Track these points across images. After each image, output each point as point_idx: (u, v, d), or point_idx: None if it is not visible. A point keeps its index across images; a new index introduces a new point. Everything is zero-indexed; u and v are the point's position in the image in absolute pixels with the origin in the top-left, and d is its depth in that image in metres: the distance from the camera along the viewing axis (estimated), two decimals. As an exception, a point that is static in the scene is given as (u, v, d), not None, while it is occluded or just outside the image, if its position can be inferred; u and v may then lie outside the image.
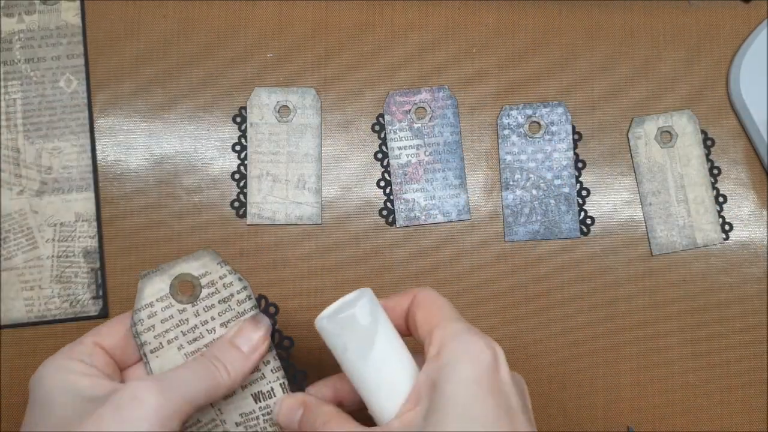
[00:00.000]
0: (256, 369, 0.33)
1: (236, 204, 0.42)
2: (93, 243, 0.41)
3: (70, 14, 0.43)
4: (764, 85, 0.42)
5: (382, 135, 0.43)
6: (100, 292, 0.41)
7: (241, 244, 0.42)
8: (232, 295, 0.34)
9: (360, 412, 0.31)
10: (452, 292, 0.42)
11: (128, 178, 0.42)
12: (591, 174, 0.43)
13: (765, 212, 0.43)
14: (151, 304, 0.33)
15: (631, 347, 0.42)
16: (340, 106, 0.43)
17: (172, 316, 0.33)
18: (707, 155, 0.43)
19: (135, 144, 0.42)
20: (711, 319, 0.42)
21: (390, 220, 0.42)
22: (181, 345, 0.33)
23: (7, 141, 0.42)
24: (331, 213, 0.42)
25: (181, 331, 0.33)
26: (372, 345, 0.30)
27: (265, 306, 0.34)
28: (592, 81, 0.43)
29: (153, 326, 0.33)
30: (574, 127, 0.43)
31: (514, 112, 0.43)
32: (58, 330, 0.41)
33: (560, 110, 0.43)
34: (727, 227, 0.43)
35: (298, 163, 0.42)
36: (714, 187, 0.43)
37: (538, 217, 0.42)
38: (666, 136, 0.43)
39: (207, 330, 0.33)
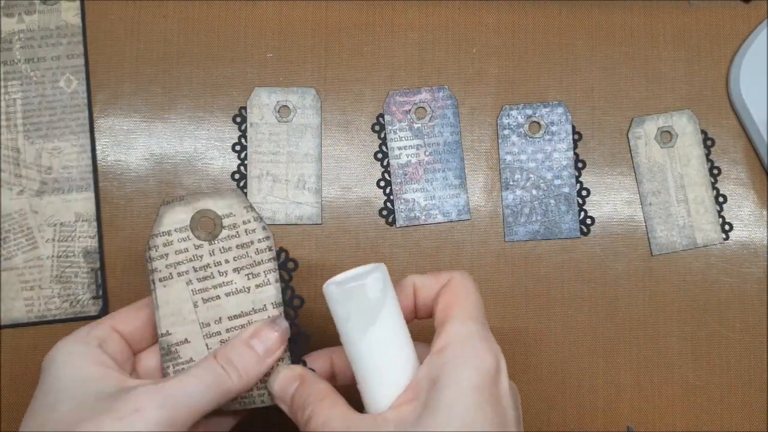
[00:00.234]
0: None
1: None
2: (93, 243, 0.41)
3: (70, 14, 0.43)
4: (764, 85, 0.42)
5: (382, 135, 0.43)
6: (100, 292, 0.41)
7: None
8: (252, 242, 0.33)
9: (353, 387, 0.31)
10: (452, 292, 0.42)
11: (128, 178, 0.42)
12: (591, 174, 0.43)
13: (765, 212, 0.43)
14: (168, 233, 0.33)
15: (631, 347, 0.42)
16: (340, 106, 0.43)
17: (187, 249, 0.33)
18: (707, 155, 0.43)
19: (135, 144, 0.42)
20: (711, 319, 0.42)
21: (390, 220, 0.42)
22: (190, 280, 0.33)
23: (7, 141, 0.42)
24: (331, 213, 0.42)
25: (193, 267, 0.33)
26: (375, 321, 0.29)
27: (284, 259, 0.33)
28: (592, 81, 0.43)
29: (166, 255, 0.33)
30: (574, 127, 0.43)
31: (514, 112, 0.43)
32: (58, 330, 0.41)
33: (560, 110, 0.43)
34: (727, 227, 0.43)
35: (298, 163, 0.42)
36: (714, 187, 0.43)
37: (538, 217, 0.42)
38: (666, 136, 0.43)
39: (219, 272, 0.33)
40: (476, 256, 0.42)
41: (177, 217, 0.33)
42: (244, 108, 0.42)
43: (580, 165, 0.43)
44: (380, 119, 0.43)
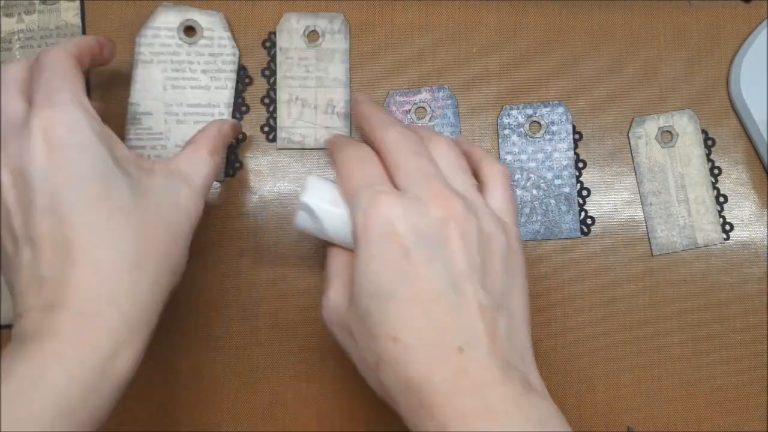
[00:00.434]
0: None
1: (266, 128, 0.42)
2: (93, 243, 0.41)
3: (70, 14, 0.43)
4: (764, 85, 0.42)
5: None
6: (100, 292, 0.41)
7: (240, 245, 0.42)
8: (221, 53, 0.41)
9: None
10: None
11: (128, 178, 0.42)
12: (591, 174, 0.43)
13: (765, 212, 0.43)
14: (158, 29, 0.41)
15: (631, 347, 0.42)
16: (340, 106, 0.43)
17: (169, 45, 0.41)
18: (708, 155, 0.43)
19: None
20: (711, 319, 0.42)
21: None
22: (165, 69, 0.41)
23: (7, 141, 0.42)
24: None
25: (171, 59, 0.41)
26: (334, 233, 0.33)
27: (243, 75, 0.42)
28: (593, 81, 0.43)
29: (152, 44, 0.41)
30: (574, 127, 0.43)
31: (514, 112, 0.43)
32: (58, 330, 0.41)
33: (560, 110, 0.43)
34: (727, 227, 0.43)
35: (327, 88, 0.42)
36: (714, 187, 0.43)
37: (539, 217, 0.42)
38: (667, 136, 0.43)
39: (190, 69, 0.41)
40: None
41: (168, 19, 0.41)
42: (273, 33, 0.43)
43: (580, 165, 0.43)
44: None
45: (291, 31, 0.42)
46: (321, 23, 0.43)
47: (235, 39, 0.42)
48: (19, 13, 0.42)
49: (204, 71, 0.41)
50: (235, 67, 0.41)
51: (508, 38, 0.44)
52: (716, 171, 0.43)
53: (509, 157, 0.43)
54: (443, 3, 0.44)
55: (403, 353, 0.28)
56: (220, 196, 0.42)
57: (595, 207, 0.43)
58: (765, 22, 0.43)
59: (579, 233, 0.42)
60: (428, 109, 0.43)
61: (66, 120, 0.30)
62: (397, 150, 0.32)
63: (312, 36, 0.43)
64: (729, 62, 0.44)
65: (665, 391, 0.42)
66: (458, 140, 0.36)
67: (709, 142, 0.43)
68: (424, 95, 0.43)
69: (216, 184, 0.42)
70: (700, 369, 0.42)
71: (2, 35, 0.42)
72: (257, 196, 0.42)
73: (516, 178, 0.43)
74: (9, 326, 0.41)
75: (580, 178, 0.43)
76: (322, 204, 0.33)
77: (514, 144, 0.43)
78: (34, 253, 0.29)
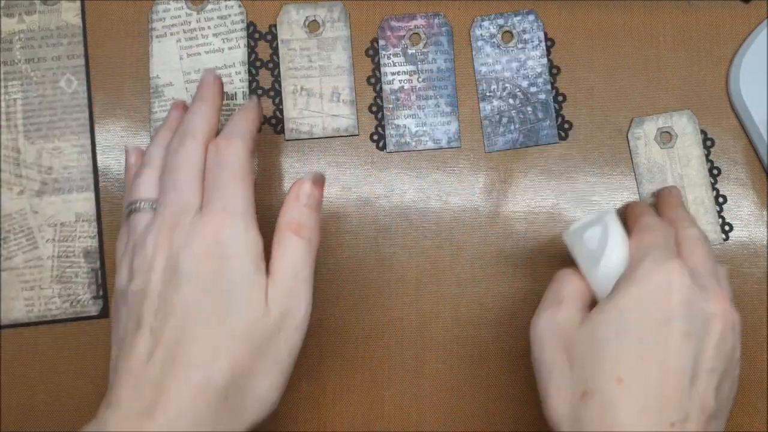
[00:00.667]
0: None
1: (273, 121, 0.42)
2: (93, 243, 0.41)
3: (71, 14, 0.43)
4: (764, 85, 0.42)
5: (376, 60, 0.43)
6: (101, 292, 0.41)
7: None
8: (229, 15, 0.43)
9: None
10: (452, 292, 0.42)
11: (128, 178, 0.42)
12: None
13: (765, 212, 0.43)
14: (168, 2, 0.42)
15: (631, 347, 0.42)
16: (340, 106, 0.43)
17: (179, 16, 0.42)
18: (707, 155, 0.43)
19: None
20: (711, 319, 0.42)
21: (380, 145, 0.42)
22: (179, 39, 0.42)
23: (8, 141, 0.42)
24: (331, 213, 0.42)
25: (183, 29, 0.42)
26: (598, 262, 0.34)
27: (252, 31, 0.43)
28: (592, 81, 0.43)
29: (164, 18, 0.42)
30: (546, 34, 0.43)
31: (486, 23, 0.43)
32: (58, 330, 0.41)
33: (531, 17, 0.43)
34: (727, 228, 0.43)
35: (331, 77, 0.43)
36: (714, 188, 0.43)
37: (517, 126, 0.43)
38: (666, 137, 0.43)
39: (202, 35, 0.42)
40: (476, 256, 0.42)
41: None
42: (274, 26, 0.43)
43: (554, 71, 0.43)
44: (374, 44, 0.43)
45: (291, 22, 0.43)
46: (321, 13, 0.43)
47: (242, 1, 0.43)
48: (20, 14, 0.42)
49: (216, 35, 0.42)
50: (244, 25, 0.43)
51: (507, 38, 0.44)
52: (715, 171, 0.43)
53: (484, 69, 0.43)
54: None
55: (621, 398, 0.30)
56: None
57: (594, 207, 0.43)
58: (765, 22, 0.43)
59: (557, 138, 0.42)
60: (423, 35, 0.43)
61: (233, 233, 0.31)
62: (695, 245, 0.34)
63: (313, 26, 0.43)
64: (729, 62, 0.44)
65: (665, 391, 0.42)
66: (669, 194, 0.41)
67: (708, 143, 0.43)
68: (419, 21, 0.43)
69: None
70: (700, 369, 0.42)
71: (3, 35, 0.42)
72: (257, 196, 0.42)
73: (492, 89, 0.43)
74: (9, 326, 0.41)
75: (555, 84, 0.43)
76: (621, 230, 0.35)
77: (488, 55, 0.43)
78: (153, 347, 0.29)
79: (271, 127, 0.42)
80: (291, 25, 0.43)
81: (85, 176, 0.42)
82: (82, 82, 0.42)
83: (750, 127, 0.43)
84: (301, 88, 0.42)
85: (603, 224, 0.35)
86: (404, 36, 0.43)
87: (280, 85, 0.43)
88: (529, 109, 0.43)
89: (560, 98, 0.43)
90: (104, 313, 0.41)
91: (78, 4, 0.43)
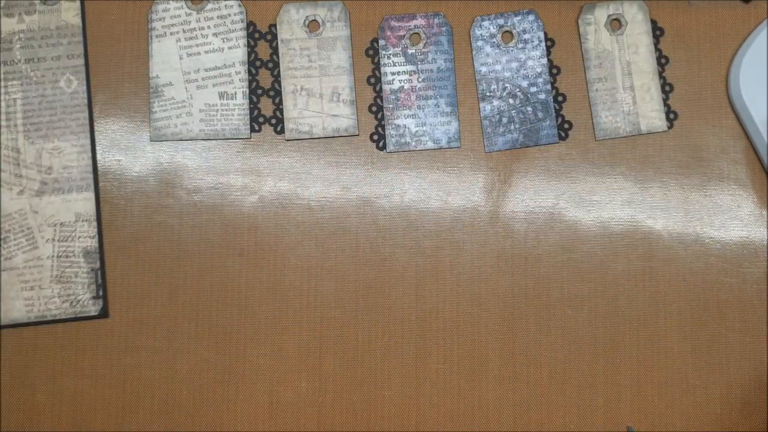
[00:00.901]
0: None
1: (273, 121, 0.42)
2: (93, 243, 0.41)
3: (70, 14, 0.43)
4: (764, 85, 0.42)
5: (376, 60, 0.43)
6: (100, 292, 0.41)
7: (241, 245, 0.42)
8: (229, 15, 0.42)
9: None
10: (452, 292, 0.42)
11: (128, 178, 0.42)
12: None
13: (765, 212, 0.43)
14: (167, 2, 0.42)
15: (631, 347, 0.42)
16: (340, 106, 0.43)
17: (179, 16, 0.42)
18: (656, 44, 0.43)
19: (135, 144, 0.42)
20: (711, 319, 0.42)
21: (380, 145, 0.42)
22: (179, 39, 0.42)
23: (7, 141, 0.42)
24: (331, 213, 0.42)
25: (182, 29, 0.42)
26: None
27: (253, 29, 0.43)
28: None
29: (164, 18, 0.42)
30: (546, 34, 0.43)
31: (486, 23, 0.43)
32: (58, 330, 0.41)
33: (531, 17, 0.43)
34: (672, 116, 0.43)
35: (331, 76, 0.43)
36: (661, 76, 0.43)
37: (517, 126, 0.43)
38: (615, 24, 0.43)
39: (202, 34, 0.42)
40: (476, 256, 0.42)
41: None
42: (274, 25, 0.43)
43: (554, 71, 0.43)
44: (374, 44, 0.43)
45: (291, 22, 0.43)
46: (321, 12, 0.43)
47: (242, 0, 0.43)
48: (20, 14, 0.42)
49: (215, 34, 0.42)
50: (244, 25, 0.43)
51: (507, 38, 0.44)
52: (663, 60, 0.43)
53: (484, 68, 0.43)
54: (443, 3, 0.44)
55: None
56: (221, 195, 0.42)
57: (594, 207, 0.43)
58: (765, 22, 0.43)
59: (557, 138, 0.42)
60: (423, 35, 0.43)
61: None
62: None
63: (313, 25, 0.43)
64: (728, 62, 0.44)
65: (665, 391, 0.42)
66: None
67: (657, 32, 0.43)
68: (419, 21, 0.43)
69: (218, 184, 0.42)
70: (699, 369, 0.42)
71: (2, 35, 0.42)
72: (257, 196, 0.42)
73: (492, 89, 0.43)
74: (9, 326, 0.41)
75: (555, 84, 0.43)
76: None
77: (488, 55, 0.43)
78: None
79: (271, 127, 0.42)
80: (291, 25, 0.43)
81: (84, 176, 0.42)
82: (82, 82, 0.42)
83: (750, 127, 0.43)
84: (301, 88, 0.42)
85: None
86: (404, 36, 0.43)
87: (280, 85, 0.42)
88: (529, 109, 0.43)
89: (560, 98, 0.43)
90: (104, 313, 0.41)
91: (78, 3, 0.43)
